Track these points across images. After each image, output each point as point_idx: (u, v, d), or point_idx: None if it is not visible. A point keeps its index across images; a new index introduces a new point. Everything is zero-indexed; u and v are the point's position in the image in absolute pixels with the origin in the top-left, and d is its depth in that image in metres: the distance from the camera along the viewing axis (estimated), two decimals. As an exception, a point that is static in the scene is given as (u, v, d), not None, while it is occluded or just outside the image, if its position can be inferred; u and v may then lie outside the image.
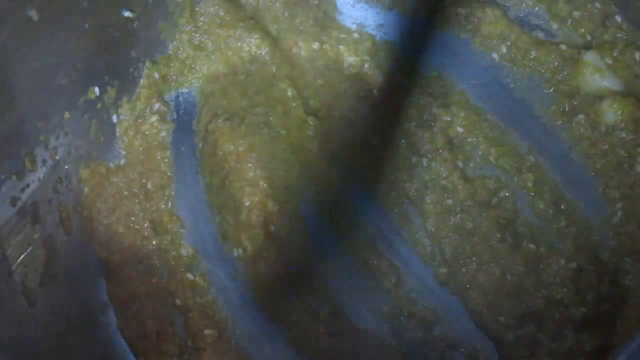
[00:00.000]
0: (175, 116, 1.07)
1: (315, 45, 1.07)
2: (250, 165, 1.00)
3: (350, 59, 1.07)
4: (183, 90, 1.08)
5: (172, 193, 1.04)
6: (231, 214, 0.99)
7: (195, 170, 1.05)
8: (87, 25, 0.91)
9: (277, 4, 1.08)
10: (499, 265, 0.92)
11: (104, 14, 0.93)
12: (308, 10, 1.08)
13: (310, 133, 1.03)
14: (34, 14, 0.83)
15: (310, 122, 1.03)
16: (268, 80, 1.06)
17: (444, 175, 0.98)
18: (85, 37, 0.92)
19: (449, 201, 0.97)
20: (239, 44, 1.06)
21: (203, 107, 1.06)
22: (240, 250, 0.98)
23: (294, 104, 1.04)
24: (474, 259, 0.93)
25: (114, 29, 0.96)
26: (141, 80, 1.04)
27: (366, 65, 1.06)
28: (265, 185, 0.99)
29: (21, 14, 0.81)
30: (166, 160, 1.05)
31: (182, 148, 1.06)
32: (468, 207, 0.96)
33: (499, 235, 0.93)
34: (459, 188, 0.97)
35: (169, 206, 1.03)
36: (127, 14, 0.97)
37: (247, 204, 0.97)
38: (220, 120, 1.02)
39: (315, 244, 0.99)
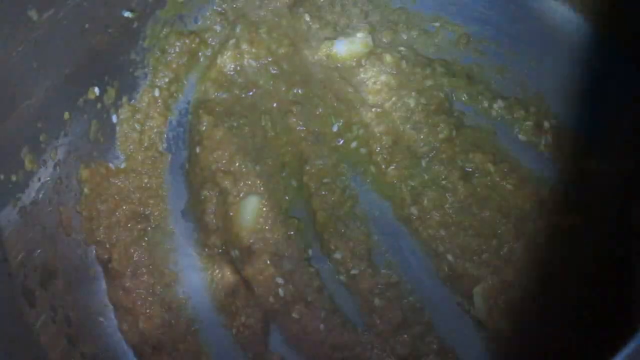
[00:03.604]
0: (175, 117, 1.07)
1: (325, 49, 1.07)
2: (241, 164, 1.00)
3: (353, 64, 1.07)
4: (184, 91, 1.08)
5: (170, 194, 1.04)
6: (222, 213, 0.99)
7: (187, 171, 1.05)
8: (87, 25, 0.91)
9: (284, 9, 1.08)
10: (505, 259, 0.92)
11: (104, 14, 0.93)
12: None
13: (304, 135, 1.03)
14: (34, 14, 0.83)
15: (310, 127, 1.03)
16: (270, 84, 1.06)
17: (443, 176, 0.99)
18: (85, 37, 0.92)
19: (450, 199, 0.97)
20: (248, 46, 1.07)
21: (198, 109, 1.06)
22: (236, 252, 0.98)
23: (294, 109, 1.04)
24: (477, 255, 0.93)
25: (114, 29, 0.96)
26: (142, 81, 1.04)
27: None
28: (259, 183, 0.99)
29: (21, 14, 0.82)
30: (165, 161, 1.05)
31: (181, 148, 1.06)
32: (469, 205, 0.96)
33: (499, 231, 0.93)
34: (458, 188, 0.97)
35: (169, 207, 1.03)
36: (127, 14, 0.97)
37: (237, 202, 0.98)
38: (211, 118, 1.03)
39: (312, 243, 0.99)
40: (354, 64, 1.06)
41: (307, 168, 1.01)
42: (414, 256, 0.98)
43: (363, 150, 1.03)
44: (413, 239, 0.98)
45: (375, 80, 1.05)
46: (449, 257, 0.95)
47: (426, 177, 0.99)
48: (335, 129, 1.04)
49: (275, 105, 1.05)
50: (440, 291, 0.96)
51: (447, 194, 0.98)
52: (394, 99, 1.04)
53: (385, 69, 1.05)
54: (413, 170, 1.00)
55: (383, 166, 1.01)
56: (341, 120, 1.04)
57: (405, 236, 0.99)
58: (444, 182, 0.99)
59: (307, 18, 1.07)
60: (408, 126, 1.02)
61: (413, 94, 1.03)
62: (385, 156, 1.01)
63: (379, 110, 1.04)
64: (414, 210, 0.98)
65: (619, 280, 0.89)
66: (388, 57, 1.04)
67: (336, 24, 1.08)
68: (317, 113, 1.04)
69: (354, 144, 1.03)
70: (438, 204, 0.97)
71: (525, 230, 0.93)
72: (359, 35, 1.07)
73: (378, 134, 1.03)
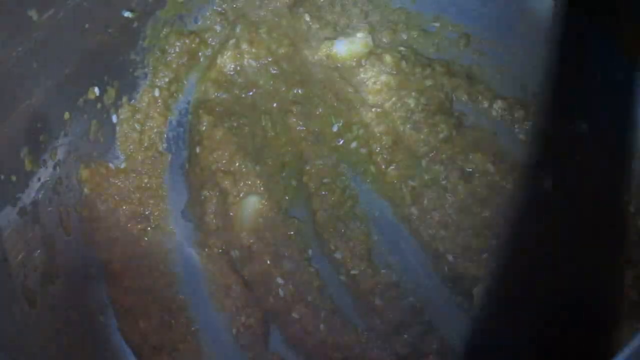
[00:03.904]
0: (175, 117, 1.07)
1: (325, 49, 1.07)
2: (241, 164, 1.00)
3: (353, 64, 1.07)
4: (184, 91, 1.08)
5: (170, 194, 1.04)
6: (222, 213, 0.99)
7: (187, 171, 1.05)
8: (87, 25, 0.91)
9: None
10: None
11: (104, 14, 0.93)
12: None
13: (304, 135, 1.03)
14: (34, 14, 0.83)
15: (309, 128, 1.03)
16: (270, 85, 1.06)
17: (443, 176, 0.99)
18: (85, 37, 0.92)
19: (450, 199, 0.97)
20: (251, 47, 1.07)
21: (198, 109, 1.06)
22: (236, 252, 0.98)
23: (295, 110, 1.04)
24: (477, 255, 0.93)
25: (114, 29, 0.96)
26: (142, 81, 1.04)
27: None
28: (259, 183, 0.99)
29: (21, 14, 0.81)
30: (165, 161, 1.05)
31: (181, 148, 1.06)
32: (468, 205, 0.96)
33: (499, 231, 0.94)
34: (458, 188, 0.97)
35: (169, 207, 1.03)
36: (127, 14, 0.97)
37: (237, 202, 0.98)
38: (211, 118, 1.03)
39: (312, 243, 0.99)
40: (354, 64, 1.06)
41: (307, 168, 1.01)
42: (414, 256, 0.98)
43: (363, 150, 1.03)
44: (413, 239, 0.98)
45: (375, 80, 1.05)
46: (449, 257, 0.95)
47: (426, 177, 0.99)
48: (335, 129, 1.04)
49: (275, 105, 1.05)
50: (440, 291, 0.96)
51: (447, 194, 0.98)
52: (394, 99, 1.04)
53: (385, 69, 1.05)
54: (413, 170, 1.00)
55: (383, 166, 1.01)
56: (341, 120, 1.04)
57: (405, 236, 0.99)
58: (444, 182, 0.99)
59: (307, 18, 1.07)
60: (408, 126, 1.02)
61: (413, 94, 1.03)
62: (385, 156, 1.01)
63: (379, 110, 1.04)
64: (414, 210, 0.98)
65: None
66: (388, 57, 1.04)
67: (336, 24, 1.08)
68: (317, 113, 1.04)
69: (354, 144, 1.03)
70: (438, 204, 0.97)
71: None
72: (359, 35, 1.07)
73: (378, 134, 1.03)
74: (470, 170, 0.99)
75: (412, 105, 1.02)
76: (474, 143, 1.00)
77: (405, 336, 0.93)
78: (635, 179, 0.92)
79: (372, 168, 1.02)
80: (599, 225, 0.89)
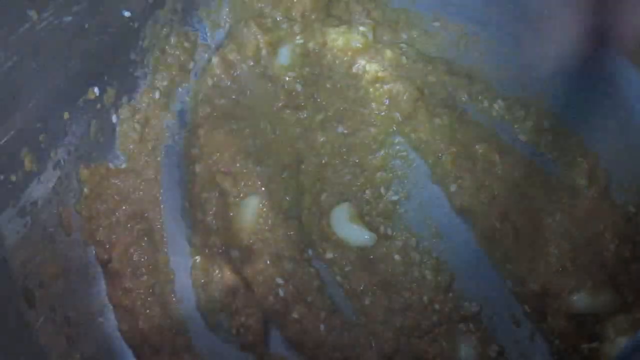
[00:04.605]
0: (174, 117, 1.07)
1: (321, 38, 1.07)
2: (242, 165, 1.00)
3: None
4: (184, 92, 1.08)
5: (169, 194, 1.04)
6: (222, 213, 1.00)
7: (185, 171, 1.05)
8: (87, 25, 0.91)
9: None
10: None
11: (104, 14, 0.93)
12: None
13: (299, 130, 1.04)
14: (33, 14, 0.83)
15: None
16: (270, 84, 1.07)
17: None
18: (85, 37, 0.92)
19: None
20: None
21: (198, 109, 1.06)
22: (236, 252, 0.98)
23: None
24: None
25: (114, 29, 0.96)
26: (142, 82, 1.04)
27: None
28: (259, 183, 0.99)
29: (21, 14, 0.82)
30: (165, 161, 1.05)
31: (181, 149, 1.06)
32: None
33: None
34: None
35: (168, 207, 1.03)
36: (127, 14, 0.97)
37: (237, 202, 0.98)
38: (211, 121, 1.03)
39: (312, 242, 0.99)
40: (351, 56, 1.06)
41: (303, 167, 1.01)
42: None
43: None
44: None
45: (375, 75, 1.05)
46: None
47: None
48: (339, 129, 1.04)
49: (276, 106, 1.05)
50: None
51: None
52: (395, 91, 1.04)
53: (385, 63, 1.05)
54: None
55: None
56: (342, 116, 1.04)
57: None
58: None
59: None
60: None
61: (417, 85, 1.03)
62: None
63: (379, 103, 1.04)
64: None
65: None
66: (389, 53, 1.04)
67: (340, 18, 1.08)
68: (319, 111, 1.04)
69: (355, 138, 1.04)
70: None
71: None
72: (361, 28, 1.06)
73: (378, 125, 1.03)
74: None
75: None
76: (477, 137, 1.00)
77: (407, 337, 0.93)
78: (635, 180, 0.92)
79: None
80: None
